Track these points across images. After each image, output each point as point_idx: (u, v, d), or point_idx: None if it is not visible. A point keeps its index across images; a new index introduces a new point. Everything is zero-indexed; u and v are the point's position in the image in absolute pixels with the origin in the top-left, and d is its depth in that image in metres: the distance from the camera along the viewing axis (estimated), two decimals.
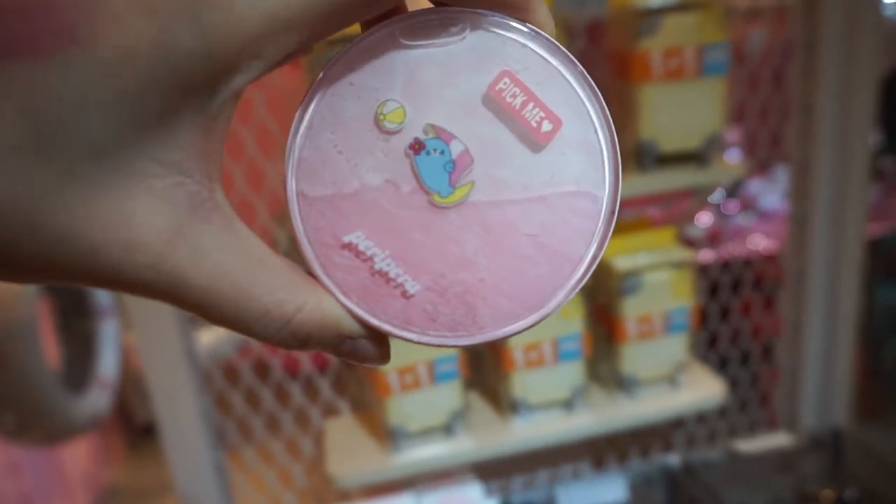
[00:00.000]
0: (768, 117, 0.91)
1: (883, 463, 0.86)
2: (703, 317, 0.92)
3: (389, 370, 0.73)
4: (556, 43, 0.19)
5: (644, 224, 0.83)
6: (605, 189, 0.19)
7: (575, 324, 0.77)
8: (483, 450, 0.78)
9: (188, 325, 0.75)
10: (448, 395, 0.76)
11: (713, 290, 0.93)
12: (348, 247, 0.20)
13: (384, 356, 0.21)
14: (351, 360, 0.20)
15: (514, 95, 0.19)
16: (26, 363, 1.04)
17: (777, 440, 0.92)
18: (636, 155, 0.74)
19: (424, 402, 0.75)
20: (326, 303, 0.19)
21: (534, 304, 0.20)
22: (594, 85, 0.19)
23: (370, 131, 0.19)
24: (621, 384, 0.82)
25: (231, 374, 0.88)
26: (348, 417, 0.86)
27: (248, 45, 0.16)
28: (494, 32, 0.19)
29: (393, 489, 0.82)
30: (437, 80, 0.19)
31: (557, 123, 0.19)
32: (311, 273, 0.20)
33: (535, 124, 0.19)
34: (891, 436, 0.92)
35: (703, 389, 0.84)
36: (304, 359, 0.88)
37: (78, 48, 0.15)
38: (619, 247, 0.79)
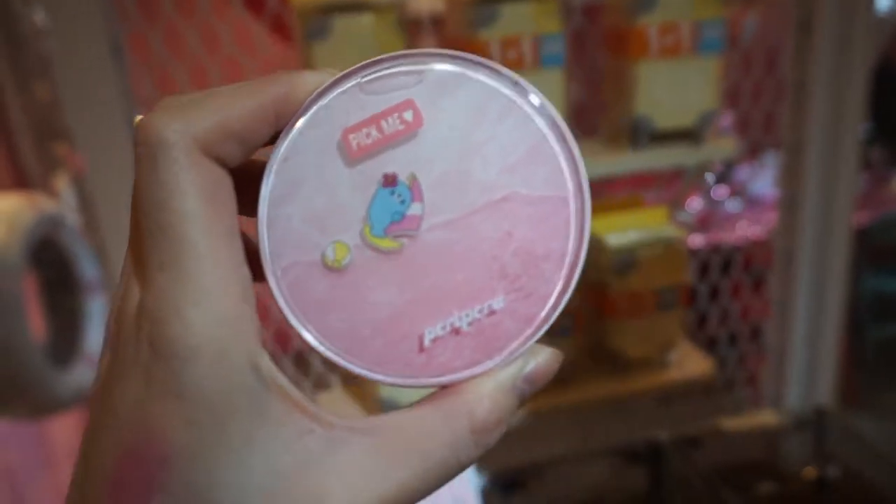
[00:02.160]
0: (761, 100, 0.91)
1: (864, 444, 0.87)
2: (692, 297, 0.93)
3: None
4: (341, 76, 0.19)
5: (637, 202, 0.83)
6: (539, 108, 0.19)
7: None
8: None
9: None
10: None
11: (703, 273, 0.94)
12: (433, 344, 0.19)
13: (554, 351, 0.20)
14: (545, 382, 0.20)
15: (367, 135, 0.19)
16: (11, 336, 1.03)
17: (762, 419, 0.94)
18: (631, 132, 0.74)
19: None
20: (475, 389, 0.19)
21: (562, 193, 0.19)
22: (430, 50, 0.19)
23: (333, 282, 0.19)
24: (611, 361, 0.83)
25: None
26: (339, 391, 0.86)
27: None
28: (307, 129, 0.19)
29: None
30: (314, 179, 0.19)
31: (409, 103, 0.19)
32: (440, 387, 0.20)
33: (402, 126, 0.19)
34: (872, 419, 0.94)
35: (692, 368, 0.85)
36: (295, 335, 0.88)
37: None
38: (612, 225, 0.80)
